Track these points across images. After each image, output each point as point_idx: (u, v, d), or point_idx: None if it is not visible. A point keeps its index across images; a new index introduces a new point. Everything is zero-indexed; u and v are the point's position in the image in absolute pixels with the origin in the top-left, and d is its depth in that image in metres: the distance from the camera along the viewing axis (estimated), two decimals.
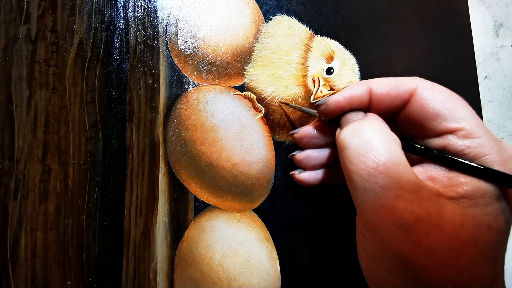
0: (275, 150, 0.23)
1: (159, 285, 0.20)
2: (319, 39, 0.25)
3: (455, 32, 0.30)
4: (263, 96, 0.23)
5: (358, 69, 0.26)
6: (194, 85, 0.22)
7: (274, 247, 0.22)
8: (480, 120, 0.16)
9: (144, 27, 0.22)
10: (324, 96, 0.23)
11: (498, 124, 0.32)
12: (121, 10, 0.21)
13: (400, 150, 0.15)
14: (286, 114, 0.23)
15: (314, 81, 0.24)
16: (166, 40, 0.22)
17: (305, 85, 0.24)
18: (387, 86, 0.17)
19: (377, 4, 0.27)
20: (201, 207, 0.21)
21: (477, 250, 0.14)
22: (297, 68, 0.24)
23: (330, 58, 0.25)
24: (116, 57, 0.21)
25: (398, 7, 0.28)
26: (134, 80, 0.21)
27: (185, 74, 0.22)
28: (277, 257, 0.22)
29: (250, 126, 0.23)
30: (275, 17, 0.24)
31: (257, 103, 0.23)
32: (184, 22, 0.22)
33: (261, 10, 0.24)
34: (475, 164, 0.15)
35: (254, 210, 0.22)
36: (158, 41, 0.22)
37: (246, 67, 0.23)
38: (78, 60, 0.20)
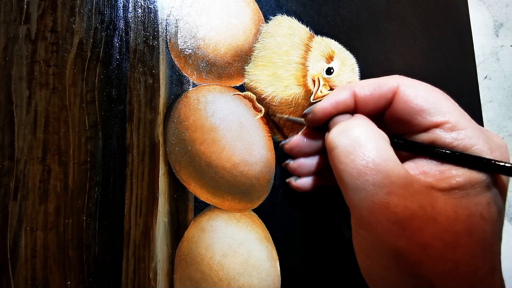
0: (275, 150, 0.23)
1: (159, 285, 0.20)
2: (319, 39, 0.25)
3: (455, 32, 0.30)
4: (263, 96, 0.23)
5: (358, 69, 0.26)
6: (194, 85, 0.22)
7: (274, 247, 0.22)
8: (464, 111, 0.16)
9: (144, 27, 0.22)
10: (324, 96, 0.23)
11: (498, 124, 0.32)
12: (121, 10, 0.21)
13: (389, 146, 0.15)
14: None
15: (314, 81, 0.24)
16: (166, 40, 0.22)
17: (305, 85, 0.24)
18: (370, 88, 0.17)
19: (377, 4, 0.27)
20: (201, 207, 0.21)
21: (472, 242, 0.14)
22: (297, 68, 0.24)
23: (330, 58, 0.25)
24: (116, 57, 0.21)
25: (398, 7, 0.28)
26: (134, 80, 0.21)
27: (185, 74, 0.22)
28: (277, 257, 0.22)
29: (250, 126, 0.23)
30: (275, 17, 0.24)
31: (257, 103, 0.23)
32: (184, 22, 0.22)
33: (261, 10, 0.24)
34: (469, 155, 0.15)
35: (254, 210, 0.22)
36: (158, 41, 0.22)
37: (246, 67, 0.23)
38: (78, 60, 0.20)
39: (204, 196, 0.22)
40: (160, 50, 0.22)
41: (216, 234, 0.21)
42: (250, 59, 0.23)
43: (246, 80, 0.23)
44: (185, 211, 0.21)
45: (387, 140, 0.16)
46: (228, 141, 0.22)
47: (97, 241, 0.19)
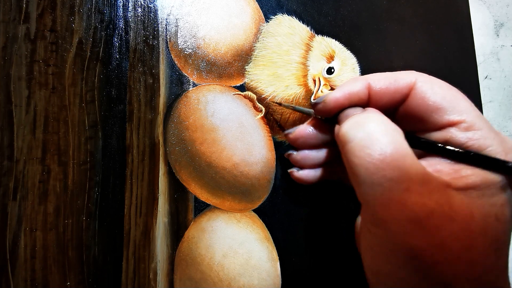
0: (275, 150, 0.23)
1: (159, 285, 0.20)
2: (319, 38, 0.25)
3: (455, 32, 0.30)
4: (263, 96, 0.23)
5: (358, 68, 0.26)
6: (194, 85, 0.22)
7: (275, 248, 0.22)
8: (479, 112, 0.16)
9: (144, 26, 0.21)
10: None
11: (498, 124, 0.32)
12: (121, 10, 0.21)
13: (405, 141, 0.15)
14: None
15: (314, 80, 0.24)
16: (166, 40, 0.22)
17: (305, 85, 0.24)
18: (385, 81, 0.17)
19: (377, 3, 0.27)
20: (201, 207, 0.21)
21: (487, 242, 0.14)
22: (297, 68, 0.24)
23: (330, 58, 0.25)
24: (116, 57, 0.21)
25: (398, 7, 0.28)
26: (134, 79, 0.21)
27: (185, 74, 0.22)
28: (278, 258, 0.22)
29: (250, 126, 0.23)
30: (276, 16, 0.24)
31: (258, 103, 0.23)
32: (184, 21, 0.22)
33: (261, 9, 0.24)
34: (484, 155, 0.15)
35: (254, 210, 0.22)
36: (158, 40, 0.22)
37: (246, 67, 0.23)
38: (77, 59, 0.20)
39: (204, 196, 0.21)
40: (160, 50, 0.22)
41: (216, 234, 0.21)
42: (251, 58, 0.23)
43: (246, 80, 0.23)
44: (185, 211, 0.21)
45: (403, 134, 0.15)
46: (229, 141, 0.22)
47: (97, 241, 0.19)
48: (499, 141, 0.15)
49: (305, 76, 0.24)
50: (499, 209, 0.14)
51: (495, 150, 0.15)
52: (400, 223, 0.13)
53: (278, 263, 0.22)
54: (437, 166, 0.16)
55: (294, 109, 0.22)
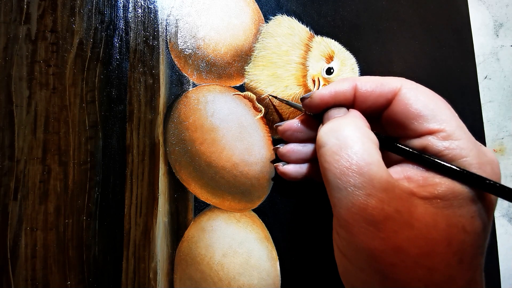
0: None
1: (159, 285, 0.20)
2: (319, 39, 0.25)
3: (455, 32, 0.30)
4: (263, 96, 0.23)
5: (358, 69, 0.26)
6: (194, 85, 0.22)
7: (274, 247, 0.22)
8: (461, 122, 0.16)
9: (144, 27, 0.22)
10: None
11: (498, 124, 0.32)
12: (121, 10, 0.21)
13: (376, 149, 0.15)
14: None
15: (314, 81, 0.24)
16: (166, 40, 0.22)
17: (305, 85, 0.24)
18: (372, 84, 0.17)
19: (377, 4, 0.27)
20: (201, 207, 0.21)
21: (450, 251, 0.14)
22: (297, 68, 0.24)
23: (330, 58, 0.25)
24: (116, 57, 0.21)
25: (398, 7, 0.28)
26: (134, 80, 0.21)
27: (185, 74, 0.22)
28: (277, 257, 0.22)
29: (250, 126, 0.23)
30: (275, 17, 0.24)
31: (257, 103, 0.23)
32: (184, 22, 0.22)
33: (261, 10, 0.24)
34: (450, 165, 0.15)
35: (254, 210, 0.22)
36: (158, 41, 0.22)
37: (246, 67, 0.23)
38: (78, 60, 0.20)
39: (204, 196, 0.22)
40: (160, 50, 0.22)
41: (216, 234, 0.21)
42: (250, 59, 0.23)
43: (246, 80, 0.23)
44: (185, 211, 0.21)
45: (376, 143, 0.16)
46: (228, 141, 0.22)
47: (97, 241, 0.19)
48: (476, 153, 0.15)
49: (305, 76, 0.24)
50: (468, 220, 0.14)
51: (469, 161, 0.15)
52: (360, 225, 0.14)
53: (278, 263, 0.22)
54: (408, 173, 0.16)
55: (287, 103, 0.23)
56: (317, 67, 0.24)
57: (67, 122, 0.20)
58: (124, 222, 0.20)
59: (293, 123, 0.21)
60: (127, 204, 0.20)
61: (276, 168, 0.22)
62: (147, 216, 0.20)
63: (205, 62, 0.22)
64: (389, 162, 0.17)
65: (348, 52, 0.26)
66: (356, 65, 0.26)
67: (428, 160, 0.15)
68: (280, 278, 0.22)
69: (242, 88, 0.23)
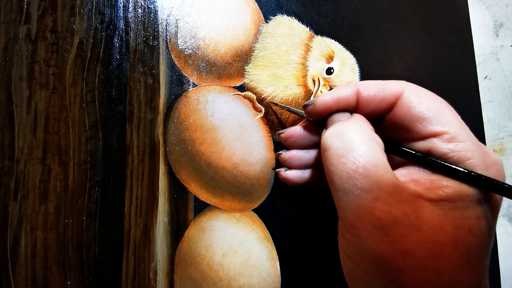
0: (275, 150, 0.23)
1: (159, 285, 0.20)
2: (319, 39, 0.25)
3: (455, 32, 0.30)
4: (263, 96, 0.23)
5: (358, 69, 0.26)
6: (194, 85, 0.22)
7: (274, 247, 0.22)
8: (465, 124, 0.16)
9: (144, 27, 0.22)
10: None
11: (498, 124, 0.32)
12: (121, 10, 0.21)
13: (381, 152, 0.15)
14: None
15: (314, 81, 0.24)
16: (166, 40, 0.22)
17: (305, 85, 0.24)
18: (374, 89, 0.17)
19: (377, 4, 0.27)
20: (201, 207, 0.21)
21: (456, 253, 0.14)
22: (297, 68, 0.24)
23: (330, 58, 0.25)
24: (116, 57, 0.21)
25: (398, 7, 0.28)
26: (134, 80, 0.21)
27: (185, 74, 0.22)
28: (277, 257, 0.22)
29: (250, 126, 0.23)
30: (275, 17, 0.24)
31: (257, 103, 0.23)
32: (184, 22, 0.22)
33: (261, 10, 0.24)
34: (457, 167, 0.15)
35: (254, 210, 0.22)
36: (158, 41, 0.22)
37: (246, 67, 0.23)
38: (78, 60, 0.20)
39: (204, 196, 0.22)
40: (160, 50, 0.22)
41: (216, 234, 0.21)
42: (250, 59, 0.23)
43: (246, 80, 0.23)
44: (185, 211, 0.21)
45: (381, 145, 0.16)
46: (228, 141, 0.22)
47: (97, 241, 0.19)
48: (481, 155, 0.15)
49: (305, 76, 0.24)
50: (474, 222, 0.14)
51: (475, 163, 0.15)
52: (368, 229, 0.14)
53: (278, 263, 0.22)
54: (414, 176, 0.16)
55: (289, 110, 0.22)
56: (317, 67, 0.24)
57: (67, 122, 0.20)
58: (124, 222, 0.20)
59: (295, 130, 0.20)
60: (127, 204, 0.20)
61: (278, 174, 0.21)
62: (147, 216, 0.20)
63: (205, 62, 0.22)
64: (393, 165, 0.17)
65: (348, 52, 0.26)
66: (356, 65, 0.26)
67: (435, 162, 0.15)
68: (280, 278, 0.22)
69: (242, 88, 0.23)
